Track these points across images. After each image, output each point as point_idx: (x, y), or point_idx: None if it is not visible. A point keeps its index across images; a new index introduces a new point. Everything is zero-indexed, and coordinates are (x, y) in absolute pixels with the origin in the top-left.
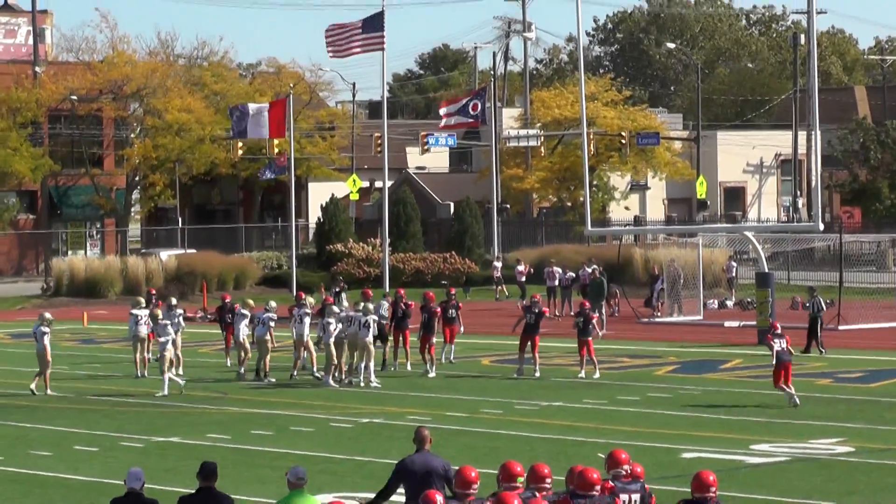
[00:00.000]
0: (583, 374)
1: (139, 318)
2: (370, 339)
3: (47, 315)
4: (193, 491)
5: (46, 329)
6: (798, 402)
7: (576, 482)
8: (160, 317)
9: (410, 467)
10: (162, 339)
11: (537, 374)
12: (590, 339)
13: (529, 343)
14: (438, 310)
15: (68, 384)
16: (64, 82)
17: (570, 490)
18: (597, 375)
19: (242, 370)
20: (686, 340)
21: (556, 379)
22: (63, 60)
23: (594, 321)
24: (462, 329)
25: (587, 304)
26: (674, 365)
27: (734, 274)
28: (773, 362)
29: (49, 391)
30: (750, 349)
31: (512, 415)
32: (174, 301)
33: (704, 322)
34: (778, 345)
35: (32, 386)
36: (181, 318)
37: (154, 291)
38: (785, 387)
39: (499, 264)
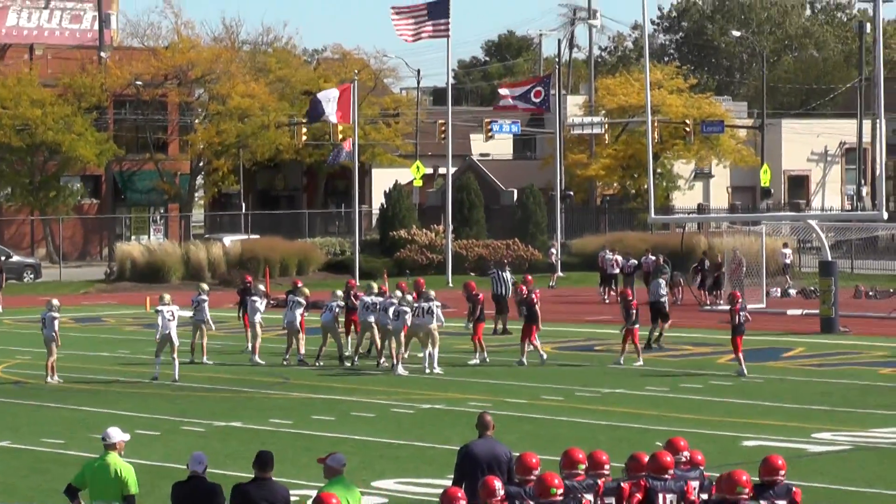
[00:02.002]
0: (621, 361)
1: (196, 302)
2: (434, 325)
3: (55, 301)
4: (251, 478)
5: (56, 315)
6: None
7: (650, 465)
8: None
9: (475, 452)
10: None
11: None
12: (634, 327)
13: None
14: (482, 297)
15: (130, 368)
16: (129, 68)
17: (639, 474)
18: (639, 363)
19: (301, 355)
20: (749, 328)
21: (617, 366)
22: (128, 46)
23: (636, 309)
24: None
25: (629, 292)
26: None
27: (788, 261)
28: (733, 332)
29: (56, 378)
30: (813, 338)
31: (573, 402)
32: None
33: (767, 310)
34: (742, 317)
35: (50, 379)
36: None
37: (249, 278)
38: (739, 356)
39: (554, 251)
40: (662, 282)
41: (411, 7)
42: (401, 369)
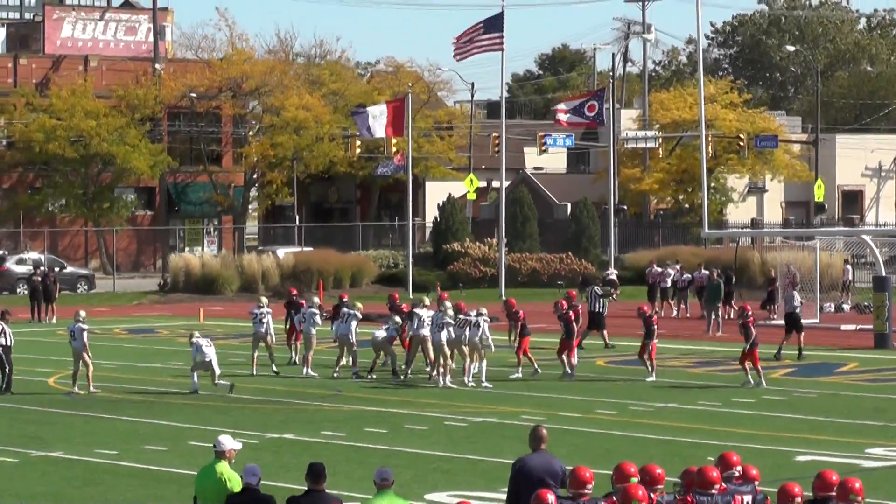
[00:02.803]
0: (653, 376)
1: (257, 315)
2: (479, 339)
3: (82, 312)
4: (304, 490)
5: (84, 326)
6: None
7: (696, 480)
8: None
9: (530, 465)
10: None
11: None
12: (652, 342)
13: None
14: (523, 313)
15: (183, 380)
16: (183, 80)
17: (690, 489)
18: (651, 378)
19: (355, 368)
20: (802, 343)
21: (670, 380)
22: (182, 58)
23: (656, 324)
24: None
25: (645, 307)
26: (790, 368)
27: (850, 277)
28: (750, 345)
29: (92, 388)
30: (866, 353)
31: (626, 416)
32: (315, 300)
33: (821, 325)
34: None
35: (75, 388)
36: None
37: (295, 291)
38: (758, 367)
39: (611, 270)
40: (797, 294)
41: (468, 30)
42: (448, 381)
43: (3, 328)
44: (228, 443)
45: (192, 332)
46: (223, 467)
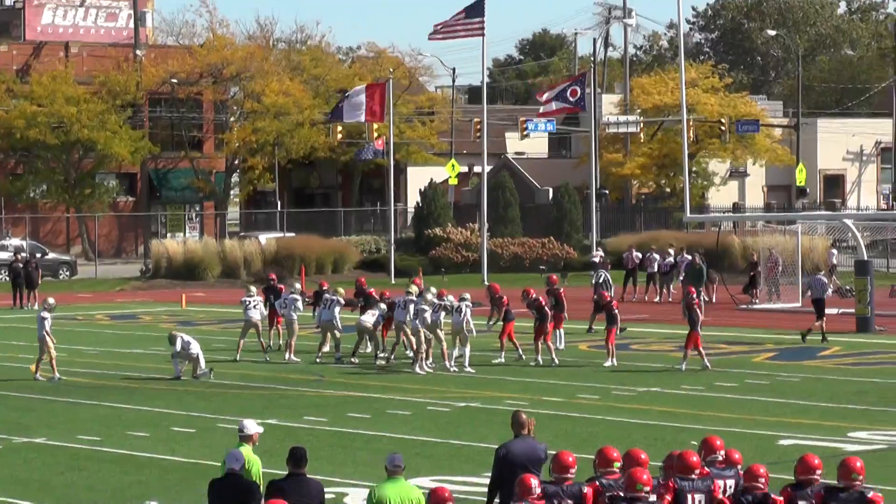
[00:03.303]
0: (615, 362)
1: (249, 303)
2: (463, 324)
3: (50, 300)
4: (285, 475)
5: (46, 315)
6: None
7: (676, 465)
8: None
9: (514, 452)
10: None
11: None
12: (613, 328)
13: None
14: (506, 299)
15: (166, 366)
16: (164, 66)
17: (670, 474)
18: (609, 363)
19: (339, 354)
20: (784, 327)
21: (653, 365)
22: (163, 44)
23: (617, 309)
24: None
25: (607, 294)
26: (772, 352)
27: (835, 261)
28: (696, 329)
29: (39, 376)
30: (849, 337)
31: (609, 400)
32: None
33: (803, 309)
34: (703, 314)
35: (38, 375)
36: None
37: (274, 276)
38: (688, 351)
39: (598, 252)
40: (824, 279)
41: (449, 21)
42: (417, 368)
43: None
44: (252, 427)
45: (171, 331)
46: (246, 451)
